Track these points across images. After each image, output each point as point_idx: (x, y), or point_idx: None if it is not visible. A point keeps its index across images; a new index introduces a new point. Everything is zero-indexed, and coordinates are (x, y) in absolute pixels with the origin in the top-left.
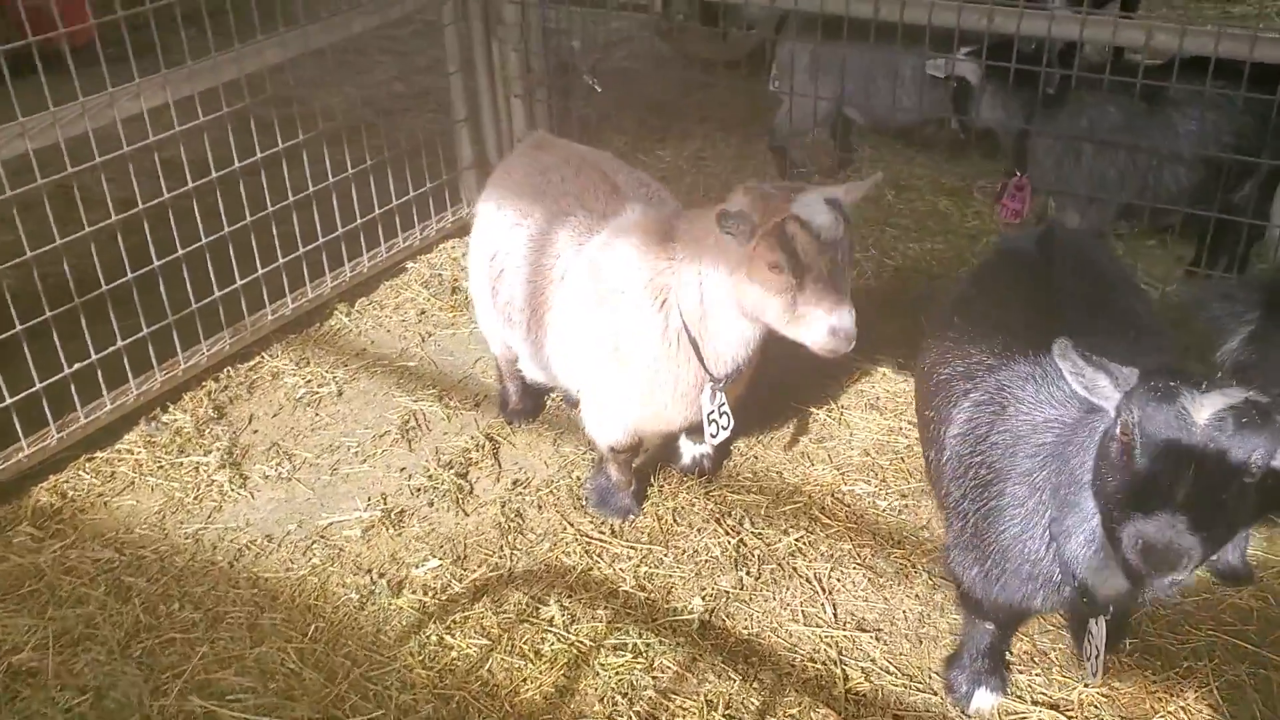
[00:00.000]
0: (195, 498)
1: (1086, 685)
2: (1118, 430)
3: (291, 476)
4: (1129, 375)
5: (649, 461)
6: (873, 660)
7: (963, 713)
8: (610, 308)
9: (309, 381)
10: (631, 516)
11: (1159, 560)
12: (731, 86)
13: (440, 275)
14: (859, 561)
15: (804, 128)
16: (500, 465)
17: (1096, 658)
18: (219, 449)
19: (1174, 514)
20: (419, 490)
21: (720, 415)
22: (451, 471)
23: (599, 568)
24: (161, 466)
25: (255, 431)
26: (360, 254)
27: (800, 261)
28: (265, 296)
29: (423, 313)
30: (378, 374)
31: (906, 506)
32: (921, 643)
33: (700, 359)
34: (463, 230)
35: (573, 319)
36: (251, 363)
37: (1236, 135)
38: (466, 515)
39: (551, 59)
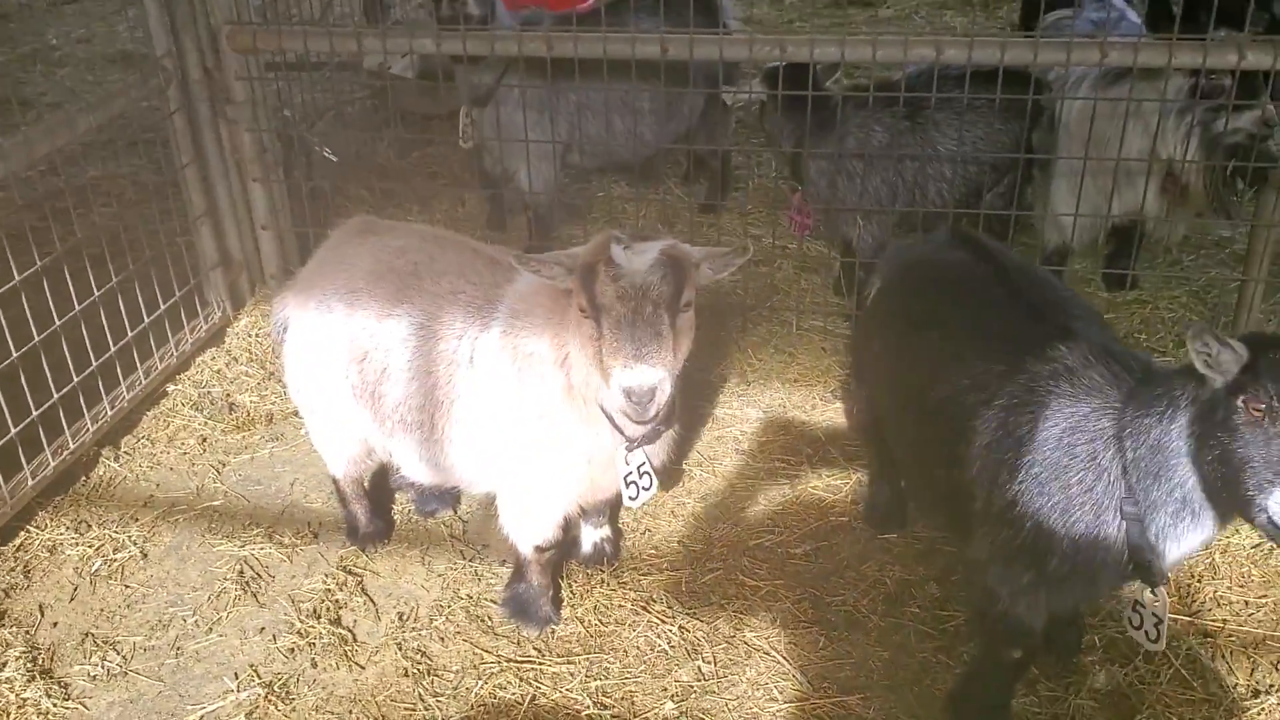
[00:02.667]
0: None
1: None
2: (1241, 402)
3: (126, 670)
4: (1241, 349)
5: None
6: None
7: None
8: (528, 372)
9: (99, 549)
10: (552, 625)
11: None
12: (451, 140)
13: (209, 393)
14: (805, 619)
15: (553, 183)
16: (374, 601)
17: (1158, 625)
18: (15, 658)
19: None
20: (292, 651)
21: (641, 476)
22: (321, 620)
23: (544, 694)
24: None
25: (54, 625)
26: (117, 385)
27: (597, 303)
28: (21, 457)
29: (204, 440)
30: (180, 523)
31: (819, 549)
32: (905, 689)
33: (611, 419)
34: (217, 338)
35: (491, 400)
36: (18, 541)
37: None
38: (362, 668)
39: (278, 134)
